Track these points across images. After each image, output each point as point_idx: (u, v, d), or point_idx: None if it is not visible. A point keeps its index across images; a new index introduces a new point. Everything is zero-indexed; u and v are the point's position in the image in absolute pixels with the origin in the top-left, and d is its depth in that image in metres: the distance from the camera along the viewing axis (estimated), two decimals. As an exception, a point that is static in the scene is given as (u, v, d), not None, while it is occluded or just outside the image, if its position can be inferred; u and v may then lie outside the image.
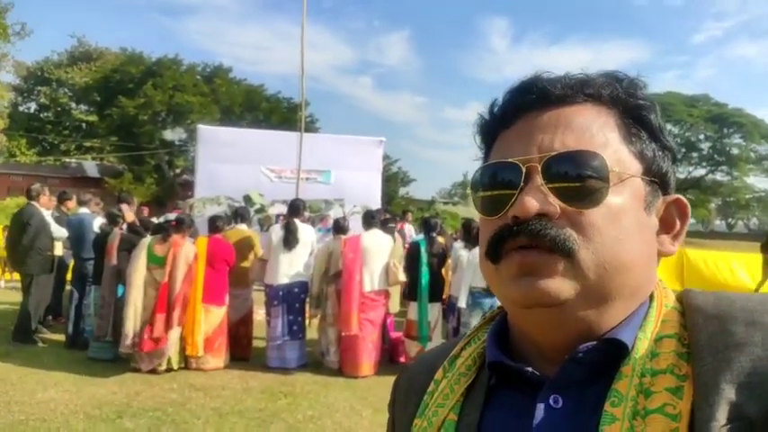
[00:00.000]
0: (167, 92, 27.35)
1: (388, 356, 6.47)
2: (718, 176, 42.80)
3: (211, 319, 5.85)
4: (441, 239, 6.64)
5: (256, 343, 6.43)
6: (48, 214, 7.08)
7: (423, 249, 6.20)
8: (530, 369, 0.59)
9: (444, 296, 6.50)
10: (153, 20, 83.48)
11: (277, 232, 6.20)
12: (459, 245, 6.41)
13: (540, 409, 0.57)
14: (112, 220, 6.55)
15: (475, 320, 5.92)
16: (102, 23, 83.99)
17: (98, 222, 6.92)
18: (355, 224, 7.18)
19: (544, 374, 0.58)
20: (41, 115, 34.97)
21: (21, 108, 34.63)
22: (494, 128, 0.66)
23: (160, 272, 5.68)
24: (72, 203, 7.91)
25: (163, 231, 5.96)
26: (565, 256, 0.55)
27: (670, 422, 0.50)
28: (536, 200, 0.56)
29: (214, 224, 6.28)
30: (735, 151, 40.75)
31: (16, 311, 6.88)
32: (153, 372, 5.53)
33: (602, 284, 0.56)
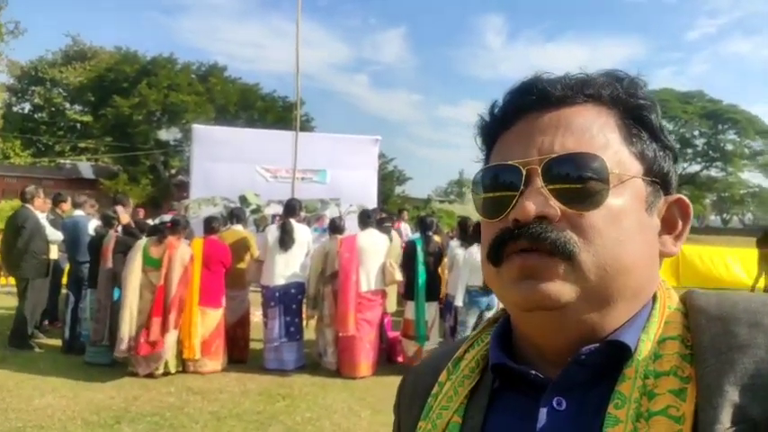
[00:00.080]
0: (162, 91, 27.25)
1: (386, 356, 6.46)
2: (713, 172, 42.96)
3: (208, 321, 5.83)
4: (437, 238, 6.63)
5: (253, 345, 6.42)
6: (42, 217, 7.04)
7: (419, 248, 6.20)
8: (533, 371, 0.59)
9: (441, 295, 6.50)
10: (148, 18, 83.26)
11: (273, 233, 6.18)
12: (455, 243, 6.41)
13: (543, 412, 0.57)
14: (107, 222, 6.52)
15: (472, 319, 5.93)
16: (97, 22, 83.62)
17: (93, 225, 6.88)
18: (351, 224, 7.17)
19: (547, 377, 0.58)
20: (36, 116, 34.79)
21: (15, 108, 34.44)
22: (494, 129, 0.65)
23: (156, 274, 5.65)
24: (67, 206, 7.87)
25: (158, 233, 5.93)
26: (565, 259, 0.55)
27: (673, 424, 0.50)
28: (536, 203, 0.56)
29: (210, 225, 6.25)
30: (729, 147, 40.89)
31: (12, 316, 6.83)
32: (150, 376, 5.50)
33: (603, 286, 0.55)
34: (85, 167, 30.87)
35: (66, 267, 7.32)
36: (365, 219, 6.30)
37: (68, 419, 4.47)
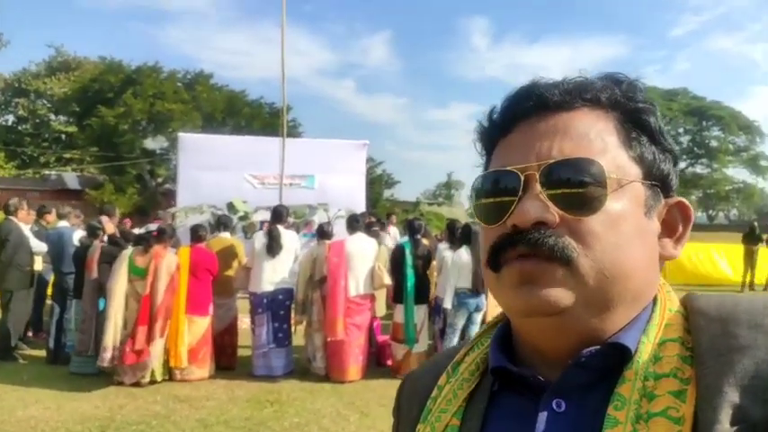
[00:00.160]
0: (148, 100, 27.08)
1: (375, 360, 6.45)
2: (698, 169, 43.42)
3: (195, 329, 5.80)
4: (425, 241, 6.64)
5: (242, 352, 6.39)
6: (27, 229, 6.98)
7: (407, 252, 6.20)
8: (533, 374, 0.59)
9: (430, 298, 6.50)
10: (132, 28, 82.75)
11: (260, 239, 6.16)
12: (443, 246, 6.42)
13: (542, 414, 0.57)
14: (92, 232, 6.47)
15: (461, 321, 5.93)
16: (81, 33, 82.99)
17: (78, 236, 6.83)
18: (340, 228, 7.16)
19: (547, 379, 0.58)
20: (20, 127, 34.49)
21: (-2, 121, 34.14)
22: (493, 135, 0.65)
23: (141, 284, 5.61)
24: (51, 217, 7.80)
25: (144, 242, 5.89)
26: (564, 265, 0.55)
27: (673, 425, 0.50)
28: (534, 208, 0.56)
29: (196, 233, 6.22)
30: (714, 144, 41.37)
31: (-4, 328, 6.75)
32: (137, 385, 5.47)
33: (602, 291, 0.55)
34: (71, 178, 30.60)
35: (51, 278, 7.26)
36: (353, 223, 6.29)
37: (52, 430, 4.43)
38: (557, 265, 0.55)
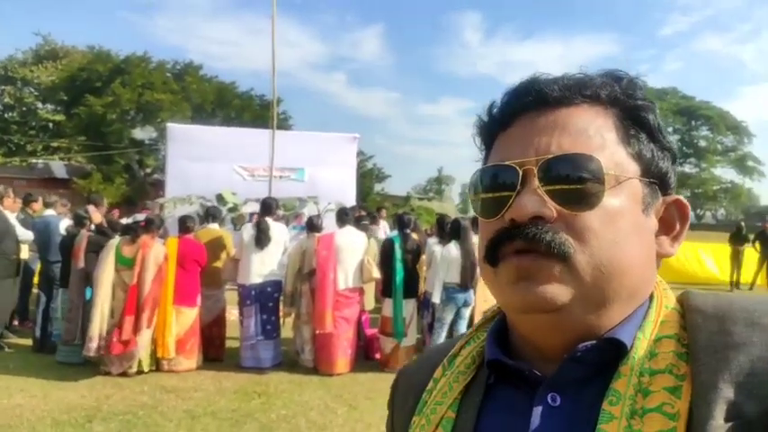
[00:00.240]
0: (136, 90, 26.83)
1: (363, 353, 6.46)
2: (687, 168, 43.78)
3: (183, 320, 5.77)
4: (415, 236, 6.64)
5: (230, 343, 6.37)
6: (12, 217, 6.90)
7: (397, 246, 6.20)
8: (528, 367, 0.59)
9: (419, 292, 6.52)
10: (120, 17, 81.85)
11: (248, 231, 6.14)
12: (433, 240, 6.43)
13: (538, 408, 0.57)
14: (79, 221, 6.42)
15: (449, 315, 5.95)
16: (68, 21, 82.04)
17: (64, 224, 6.78)
18: (329, 221, 7.15)
19: (543, 373, 0.58)
20: (6, 115, 34.04)
21: (-16, 108, 33.69)
22: (492, 130, 0.66)
23: (129, 273, 5.58)
24: (38, 205, 7.73)
25: (131, 232, 5.85)
26: (561, 261, 0.55)
27: (668, 421, 0.50)
28: (532, 202, 0.56)
29: (184, 224, 6.18)
30: (702, 143, 41.73)
31: (-19, 317, 6.68)
32: (124, 375, 5.44)
33: (599, 287, 0.56)
34: (58, 167, 30.28)
35: (38, 267, 7.20)
36: (343, 217, 6.29)
37: (37, 419, 4.40)
38: (554, 261, 0.55)
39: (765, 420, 0.48)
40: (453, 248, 5.91)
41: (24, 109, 33.30)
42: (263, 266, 6.03)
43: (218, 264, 6.33)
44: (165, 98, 27.04)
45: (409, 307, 6.17)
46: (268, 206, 6.37)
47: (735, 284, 12.80)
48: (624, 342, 0.55)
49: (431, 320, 6.35)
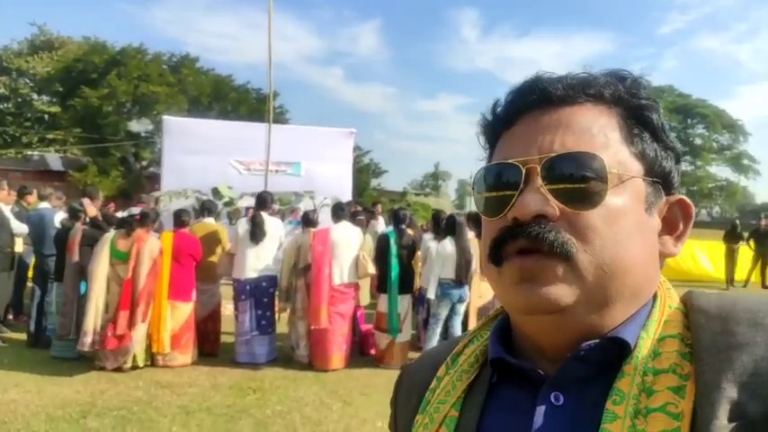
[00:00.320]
0: (132, 82, 26.67)
1: (359, 349, 6.47)
2: (682, 166, 43.78)
3: (178, 315, 5.76)
4: (410, 231, 6.64)
5: (225, 338, 6.37)
6: (7, 210, 6.87)
7: (392, 241, 6.20)
8: (532, 366, 0.59)
9: (414, 288, 6.53)
10: (117, 8, 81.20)
11: (243, 226, 6.13)
12: (428, 236, 6.43)
13: (541, 407, 0.57)
14: (74, 214, 6.39)
15: (444, 311, 5.96)
16: (64, 11, 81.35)
17: (59, 217, 6.75)
18: (326, 216, 7.14)
19: (546, 372, 0.58)
20: (1, 107, 33.82)
21: (-22, 99, 33.44)
22: (496, 128, 0.66)
23: (123, 267, 5.56)
24: (32, 198, 7.70)
25: (126, 226, 5.83)
26: (563, 260, 0.55)
27: (672, 421, 0.50)
28: (535, 201, 0.56)
29: (180, 218, 6.17)
30: (698, 141, 41.83)
31: (-25, 310, 6.67)
32: (118, 370, 5.43)
33: (602, 287, 0.56)
34: (54, 159, 30.14)
35: (32, 261, 7.17)
36: (338, 212, 6.28)
37: (32, 415, 4.39)
38: (557, 261, 0.55)
39: None
40: (448, 244, 5.91)
41: (19, 100, 33.07)
42: (258, 261, 6.02)
43: (214, 258, 6.31)
44: (162, 90, 26.91)
45: (404, 303, 6.17)
46: (263, 200, 6.35)
47: (730, 283, 12.85)
48: (628, 341, 0.55)
49: (426, 316, 6.37)
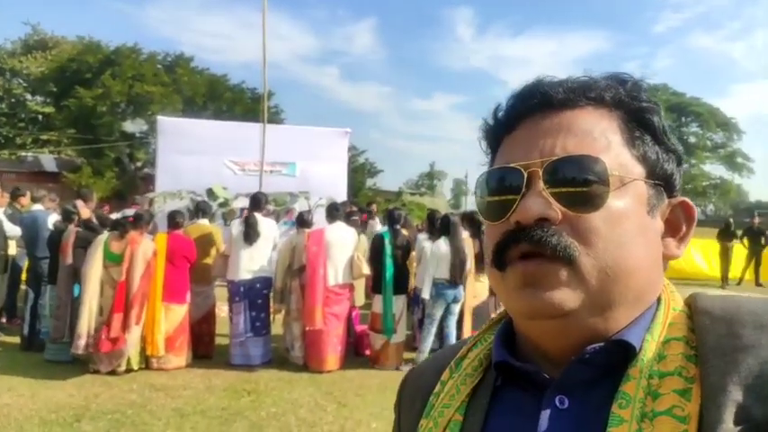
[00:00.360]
0: (127, 82, 26.57)
1: (353, 350, 6.47)
2: (678, 165, 43.94)
3: (172, 317, 5.75)
4: (405, 232, 6.64)
5: (220, 340, 6.36)
6: (0, 212, 6.84)
7: (387, 242, 6.20)
8: (536, 369, 0.59)
9: (409, 288, 6.53)
10: (111, 7, 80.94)
11: (237, 227, 6.12)
12: (423, 236, 6.43)
13: (546, 410, 0.57)
14: (67, 216, 6.36)
15: (439, 311, 5.97)
16: (58, 11, 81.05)
17: (52, 219, 6.72)
18: (321, 217, 7.13)
19: (551, 376, 0.58)
20: (-5, 107, 33.66)
21: (-28, 100, 33.25)
22: (498, 133, 0.66)
23: (117, 270, 5.54)
24: (26, 200, 7.67)
25: (120, 228, 5.81)
26: (566, 264, 0.55)
27: (678, 424, 0.50)
28: (537, 204, 0.56)
29: (174, 220, 6.15)
30: (692, 140, 41.94)
31: (-32, 313, 6.64)
32: (112, 373, 5.41)
33: (605, 290, 0.56)
34: (48, 160, 30.02)
35: (26, 263, 7.14)
36: (333, 212, 6.27)
37: (25, 419, 4.37)
38: (560, 265, 0.55)
39: None
40: (443, 244, 5.91)
41: (13, 101, 32.89)
42: (252, 262, 6.01)
43: (208, 260, 6.30)
44: (156, 90, 26.81)
45: (399, 303, 6.17)
46: (257, 201, 6.34)
47: (724, 280, 12.90)
48: (633, 344, 0.55)
49: (421, 316, 6.37)
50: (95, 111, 26.64)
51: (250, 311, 5.97)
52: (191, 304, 5.98)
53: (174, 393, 5.03)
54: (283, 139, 11.51)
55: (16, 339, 6.51)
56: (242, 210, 9.12)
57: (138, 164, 29.79)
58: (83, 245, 5.88)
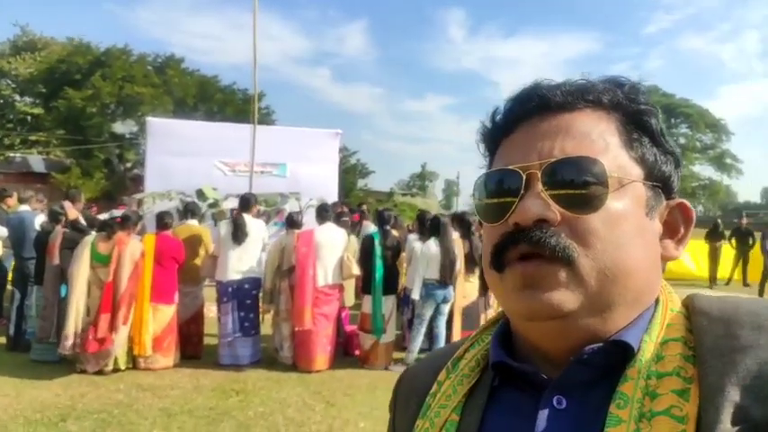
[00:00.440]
0: (116, 83, 26.43)
1: (343, 350, 6.46)
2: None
3: (160, 317, 5.72)
4: (395, 232, 6.65)
5: (209, 340, 6.33)
6: (-14, 212, 6.79)
7: (377, 242, 6.20)
8: (534, 370, 0.59)
9: (399, 288, 6.53)
10: (101, 8, 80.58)
11: (225, 227, 6.10)
12: (413, 237, 6.45)
13: (543, 410, 0.57)
14: (54, 217, 6.32)
15: (428, 312, 5.97)
16: (47, 12, 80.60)
17: (39, 220, 6.68)
18: (311, 218, 7.13)
19: (548, 376, 0.58)
20: (-17, 108, 33.39)
21: (-40, 100, 32.97)
22: (496, 136, 0.66)
23: (104, 271, 5.51)
24: (12, 201, 7.62)
25: (107, 229, 5.78)
26: (565, 265, 0.55)
27: (677, 424, 0.50)
28: (536, 206, 0.56)
29: (162, 221, 6.13)
30: (681, 141, 42.18)
31: (-47, 314, 6.58)
32: (99, 373, 5.38)
33: (604, 291, 0.56)
34: (37, 161, 29.79)
35: (12, 264, 7.09)
36: (323, 213, 6.27)
37: (10, 418, 4.33)
38: (558, 267, 0.55)
39: None
40: (433, 245, 5.92)
41: (1, 101, 32.66)
42: (241, 263, 5.99)
43: (197, 260, 6.27)
44: (146, 92, 26.69)
45: (389, 303, 6.18)
46: (246, 202, 6.33)
47: (712, 280, 12.99)
48: (631, 345, 0.55)
49: (410, 317, 6.38)
50: (85, 112, 26.48)
51: (239, 312, 5.95)
52: (179, 305, 5.96)
53: (162, 393, 5.01)
54: (274, 140, 11.49)
55: (2, 339, 6.46)
56: (232, 211, 9.10)
57: (128, 165, 29.63)
58: (70, 246, 5.85)
